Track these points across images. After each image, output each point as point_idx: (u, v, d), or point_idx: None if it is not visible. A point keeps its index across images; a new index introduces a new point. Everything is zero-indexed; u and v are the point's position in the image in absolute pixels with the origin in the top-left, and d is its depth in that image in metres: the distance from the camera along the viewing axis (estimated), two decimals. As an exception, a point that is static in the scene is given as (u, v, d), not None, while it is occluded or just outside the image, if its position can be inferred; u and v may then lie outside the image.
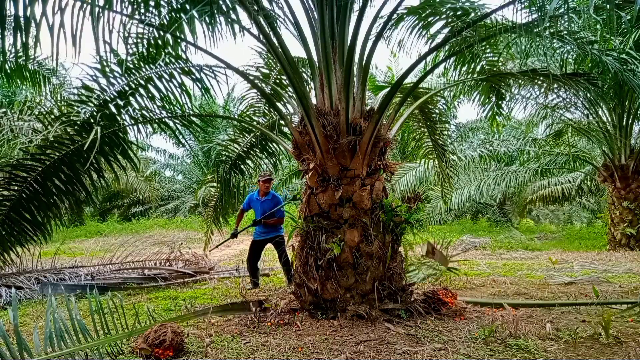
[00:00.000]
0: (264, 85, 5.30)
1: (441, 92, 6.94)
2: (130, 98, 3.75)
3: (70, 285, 5.12)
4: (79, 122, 3.59)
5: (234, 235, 5.40)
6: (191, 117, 4.36)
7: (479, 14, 3.98)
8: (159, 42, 3.65)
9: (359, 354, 2.86)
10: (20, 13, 2.53)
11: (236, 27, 3.89)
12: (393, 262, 3.83)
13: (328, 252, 3.64)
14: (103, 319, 2.96)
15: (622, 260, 7.08)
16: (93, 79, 3.71)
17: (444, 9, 4.22)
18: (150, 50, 3.68)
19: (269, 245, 5.38)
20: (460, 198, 12.35)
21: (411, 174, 11.75)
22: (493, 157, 10.91)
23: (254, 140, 5.75)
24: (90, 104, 3.66)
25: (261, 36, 3.91)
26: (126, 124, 3.85)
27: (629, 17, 4.16)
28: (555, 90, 8.60)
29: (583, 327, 3.30)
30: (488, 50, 5.10)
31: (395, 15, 4.30)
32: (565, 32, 4.13)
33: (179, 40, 3.80)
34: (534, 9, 3.81)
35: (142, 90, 3.83)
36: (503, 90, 5.83)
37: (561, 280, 5.38)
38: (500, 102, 5.92)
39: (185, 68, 3.93)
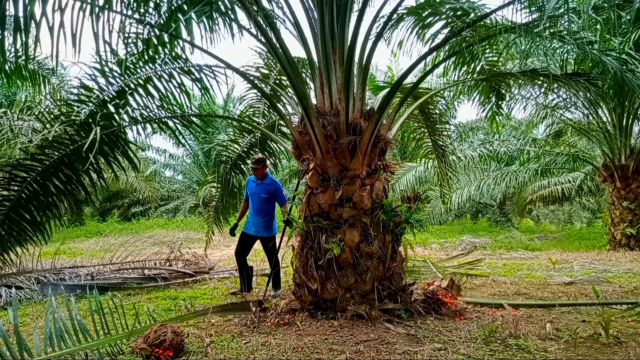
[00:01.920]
0: (263, 85, 5.30)
1: (441, 92, 6.95)
2: (130, 98, 3.74)
3: (70, 285, 5.12)
4: (78, 122, 3.59)
5: (232, 232, 4.97)
6: (191, 117, 4.35)
7: (478, 14, 3.97)
8: (158, 42, 3.65)
9: (359, 354, 2.85)
10: (20, 13, 2.53)
11: (235, 27, 3.89)
12: (393, 262, 3.83)
13: (328, 252, 3.64)
14: (103, 319, 2.95)
15: (622, 260, 7.08)
16: (92, 79, 3.70)
17: (444, 9, 4.22)
18: (150, 50, 3.67)
19: (258, 245, 4.99)
20: (460, 198, 12.33)
21: (411, 174, 11.74)
22: (493, 157, 10.90)
23: (254, 140, 5.76)
24: (89, 103, 3.66)
25: (261, 36, 3.91)
26: (125, 123, 3.85)
27: (629, 17, 4.16)
28: (555, 90, 8.60)
29: (583, 327, 3.30)
30: (488, 50, 5.10)
31: (395, 16, 4.29)
32: (565, 32, 4.12)
33: (178, 40, 3.80)
34: (533, 8, 3.81)
35: (141, 90, 3.82)
36: (503, 90, 5.83)
37: (561, 280, 5.37)
38: (500, 102, 5.92)
39: (185, 68, 3.93)
